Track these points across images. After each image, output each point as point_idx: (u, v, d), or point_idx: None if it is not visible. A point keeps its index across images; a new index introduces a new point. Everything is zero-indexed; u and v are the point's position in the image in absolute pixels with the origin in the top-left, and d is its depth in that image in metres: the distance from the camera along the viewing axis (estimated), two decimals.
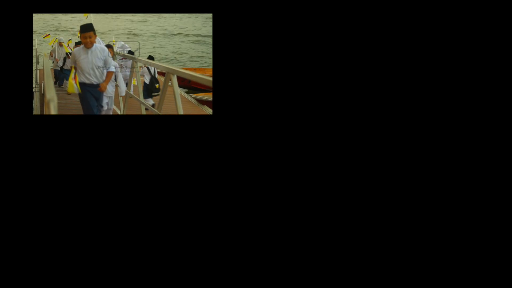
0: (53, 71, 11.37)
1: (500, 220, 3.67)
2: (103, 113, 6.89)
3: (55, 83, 11.45)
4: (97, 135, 3.68)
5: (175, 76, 6.15)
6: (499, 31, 3.72)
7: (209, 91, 12.27)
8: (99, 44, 6.36)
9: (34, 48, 11.66)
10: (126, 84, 8.29)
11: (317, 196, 3.72)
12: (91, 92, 6.26)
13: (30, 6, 3.70)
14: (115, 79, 8.07)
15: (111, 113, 7.84)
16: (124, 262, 3.67)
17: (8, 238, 3.62)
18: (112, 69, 6.37)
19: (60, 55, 11.45)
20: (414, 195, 3.72)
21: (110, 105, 7.72)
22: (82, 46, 6.23)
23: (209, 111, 8.95)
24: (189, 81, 12.83)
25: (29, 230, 3.64)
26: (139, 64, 8.04)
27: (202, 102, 10.18)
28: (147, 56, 9.83)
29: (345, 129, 3.74)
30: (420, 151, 3.73)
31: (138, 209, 3.69)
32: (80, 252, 3.66)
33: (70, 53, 11.30)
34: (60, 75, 11.55)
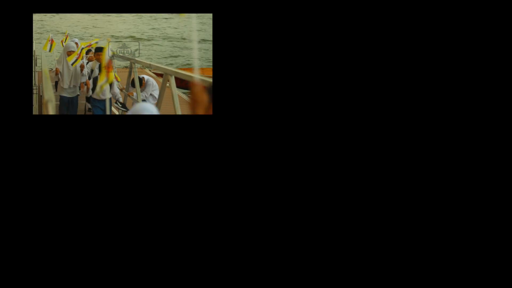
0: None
1: (500, 221, 3.68)
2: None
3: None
4: (97, 135, 3.68)
5: (173, 77, 6.16)
6: (499, 32, 3.73)
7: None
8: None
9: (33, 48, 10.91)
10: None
11: (316, 196, 3.72)
12: None
13: (30, 6, 3.70)
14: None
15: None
16: (124, 262, 3.67)
17: (8, 237, 3.62)
18: None
19: (71, 72, 7.20)
20: (412, 194, 3.73)
21: None
22: None
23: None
24: (188, 81, 12.81)
25: (29, 229, 3.63)
26: (137, 65, 8.03)
27: None
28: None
29: (344, 129, 3.75)
30: (418, 151, 3.74)
31: (138, 210, 3.69)
32: (79, 251, 3.65)
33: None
34: (67, 105, 7.28)
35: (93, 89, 6.74)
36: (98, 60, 7.01)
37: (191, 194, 3.70)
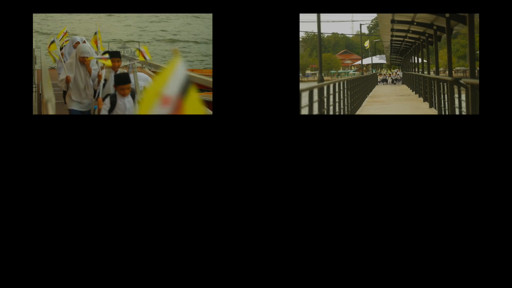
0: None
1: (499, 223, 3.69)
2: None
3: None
4: (97, 135, 3.68)
5: None
6: None
7: (207, 91, 12.25)
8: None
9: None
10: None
11: (316, 195, 3.73)
12: None
13: (30, 6, 3.70)
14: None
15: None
16: (125, 262, 3.67)
17: (8, 237, 3.62)
18: None
19: (84, 82, 5.60)
20: (410, 194, 3.74)
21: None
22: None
23: (207, 111, 8.91)
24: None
25: (29, 229, 3.64)
26: (137, 64, 8.02)
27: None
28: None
29: (343, 129, 3.75)
30: (417, 150, 3.75)
31: (138, 209, 3.69)
32: (79, 251, 3.66)
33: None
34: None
35: (110, 111, 4.66)
36: (114, 68, 5.38)
37: (191, 194, 3.71)
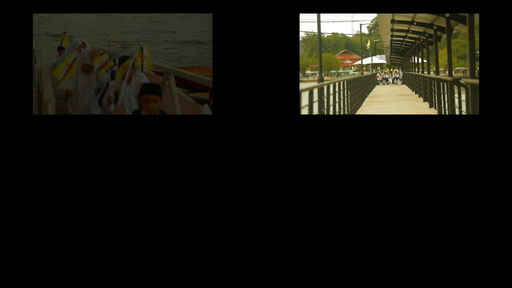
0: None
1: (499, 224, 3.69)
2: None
3: None
4: (97, 135, 3.68)
5: (173, 76, 6.16)
6: None
7: (207, 91, 12.22)
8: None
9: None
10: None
11: (316, 195, 3.73)
12: None
13: (30, 6, 3.70)
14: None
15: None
16: (124, 262, 3.67)
17: (8, 237, 3.62)
18: None
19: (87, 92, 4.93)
20: (410, 194, 3.74)
21: None
22: None
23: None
24: (187, 80, 12.81)
25: (29, 229, 3.64)
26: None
27: (199, 101, 10.16)
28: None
29: (343, 129, 3.75)
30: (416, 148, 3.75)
31: (138, 209, 3.69)
32: (79, 251, 3.66)
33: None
34: None
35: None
36: (125, 74, 4.73)
37: (192, 194, 3.71)
